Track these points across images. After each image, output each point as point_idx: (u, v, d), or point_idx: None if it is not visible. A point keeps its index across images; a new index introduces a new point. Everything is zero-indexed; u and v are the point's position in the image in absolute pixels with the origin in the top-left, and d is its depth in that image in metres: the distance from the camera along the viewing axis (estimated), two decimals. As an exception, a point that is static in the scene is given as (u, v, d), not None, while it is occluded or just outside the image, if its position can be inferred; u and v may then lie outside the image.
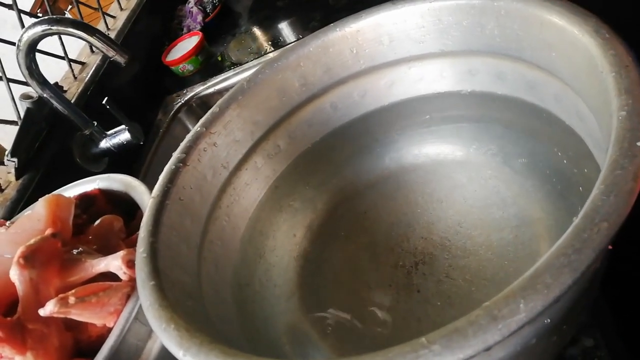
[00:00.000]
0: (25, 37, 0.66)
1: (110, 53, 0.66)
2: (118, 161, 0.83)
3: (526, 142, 0.44)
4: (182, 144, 0.49)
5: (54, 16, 0.66)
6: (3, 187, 0.70)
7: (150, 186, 0.53)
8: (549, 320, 0.28)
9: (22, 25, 0.79)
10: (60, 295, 0.37)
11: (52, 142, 0.75)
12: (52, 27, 0.64)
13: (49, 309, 0.36)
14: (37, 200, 0.60)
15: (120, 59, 0.67)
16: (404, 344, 0.25)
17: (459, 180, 0.45)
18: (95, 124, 0.78)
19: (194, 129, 0.50)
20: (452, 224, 0.44)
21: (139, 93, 0.99)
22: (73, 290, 0.38)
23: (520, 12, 0.40)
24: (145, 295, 0.35)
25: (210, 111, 0.51)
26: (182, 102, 0.97)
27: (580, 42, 0.34)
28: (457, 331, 0.24)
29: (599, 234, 0.25)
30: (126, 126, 0.77)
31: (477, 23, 0.44)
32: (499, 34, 0.43)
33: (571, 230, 0.25)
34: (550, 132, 0.43)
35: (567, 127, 0.42)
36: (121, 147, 0.79)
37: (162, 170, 0.48)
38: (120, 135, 0.78)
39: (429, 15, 0.46)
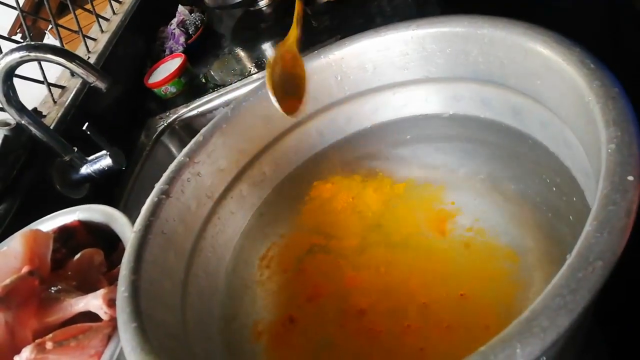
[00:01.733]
0: (3, 63, 0.64)
1: (91, 79, 0.65)
2: (99, 186, 0.81)
3: (514, 168, 0.43)
4: (165, 175, 0.48)
5: (32, 42, 0.65)
6: (-21, 218, 0.68)
7: (133, 213, 0.51)
8: (544, 359, 0.27)
9: (0, 50, 0.78)
10: (37, 341, 0.35)
11: (31, 169, 0.73)
12: (30, 54, 0.63)
13: (24, 356, 0.35)
14: (15, 230, 0.58)
15: (100, 85, 0.66)
16: None
17: (447, 205, 0.44)
18: (76, 149, 0.76)
19: (177, 158, 0.49)
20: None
21: (121, 116, 0.98)
22: (51, 335, 0.36)
23: (504, 41, 0.40)
24: (127, 339, 0.34)
25: (193, 140, 0.50)
26: (165, 124, 0.95)
27: (566, 71, 0.34)
28: None
29: (594, 273, 0.24)
30: (107, 151, 0.75)
31: (461, 50, 0.44)
32: (483, 60, 0.43)
33: (566, 269, 0.25)
34: (536, 158, 0.43)
35: (552, 154, 0.42)
36: (102, 173, 0.77)
37: (144, 196, 0.47)
38: (102, 161, 0.76)
39: (412, 43, 0.46)
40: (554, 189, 0.41)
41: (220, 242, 0.51)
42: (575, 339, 0.31)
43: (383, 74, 0.49)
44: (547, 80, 0.37)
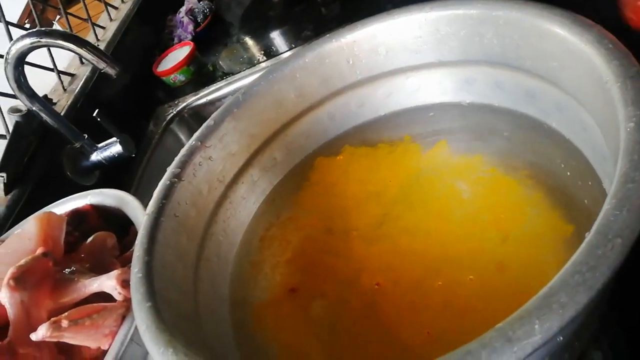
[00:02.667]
0: (14, 49, 0.64)
1: (101, 65, 0.65)
2: (109, 174, 0.81)
3: (527, 154, 0.43)
4: (177, 159, 0.48)
5: (43, 28, 0.65)
6: (-9, 203, 0.68)
7: (143, 200, 0.51)
8: (561, 338, 0.27)
9: (10, 38, 0.78)
10: (53, 319, 0.36)
11: (42, 156, 0.73)
12: (41, 40, 0.63)
13: (41, 334, 0.35)
14: (26, 216, 0.59)
15: (111, 71, 0.66)
16: None
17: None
18: (86, 136, 0.76)
19: (189, 142, 0.49)
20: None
21: (130, 104, 0.98)
22: (66, 313, 0.37)
23: (520, 22, 0.39)
24: (142, 318, 0.34)
25: (205, 124, 0.50)
26: (174, 112, 0.95)
27: (583, 52, 0.34)
28: (470, 354, 0.23)
29: (614, 250, 0.24)
30: (117, 138, 0.76)
31: (475, 33, 0.43)
32: (498, 43, 0.43)
33: (584, 247, 0.25)
34: (550, 144, 0.43)
35: (567, 140, 0.42)
36: (112, 160, 0.77)
37: (154, 183, 0.47)
38: (112, 148, 0.76)
39: (426, 26, 0.46)
40: (568, 173, 0.41)
41: (232, 227, 0.51)
42: (591, 320, 0.31)
43: (396, 57, 0.49)
44: (564, 62, 0.37)
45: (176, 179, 0.46)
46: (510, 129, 0.46)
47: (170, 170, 0.47)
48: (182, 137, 0.95)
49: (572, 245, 0.36)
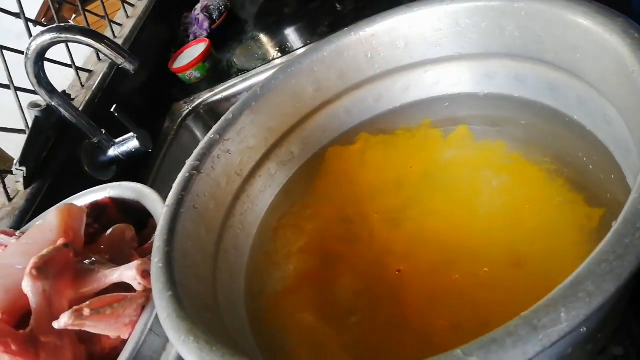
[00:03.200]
0: (34, 45, 0.65)
1: (119, 60, 0.66)
2: (126, 169, 0.82)
3: (550, 146, 0.43)
4: (196, 151, 0.48)
5: (63, 24, 0.66)
6: (11, 197, 0.69)
7: (160, 194, 0.52)
8: (585, 329, 0.27)
9: (30, 34, 0.79)
10: (75, 307, 0.36)
11: (61, 150, 0.74)
12: (60, 35, 0.64)
13: (63, 322, 0.35)
14: (45, 209, 0.60)
15: (129, 66, 0.66)
16: (438, 356, 0.24)
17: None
18: (104, 131, 0.77)
19: (208, 135, 0.49)
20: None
21: (146, 101, 0.99)
22: (87, 302, 0.37)
23: (543, 13, 0.39)
24: (163, 306, 0.34)
25: (223, 118, 0.50)
26: (190, 109, 0.96)
27: (608, 42, 0.34)
28: (495, 342, 0.23)
29: None
30: (134, 134, 0.76)
31: (496, 25, 0.43)
32: (520, 35, 0.42)
33: (612, 235, 0.24)
34: (572, 136, 0.42)
35: (589, 133, 0.41)
36: (129, 155, 0.78)
37: (170, 178, 0.47)
38: (129, 143, 0.77)
39: (445, 18, 0.46)
40: (591, 166, 0.40)
41: (249, 220, 0.52)
42: (616, 311, 0.31)
43: (415, 50, 0.49)
44: (588, 53, 0.36)
45: (195, 172, 0.47)
46: (532, 119, 0.45)
47: (189, 162, 0.47)
48: (198, 133, 0.95)
49: (594, 238, 0.36)
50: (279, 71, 0.52)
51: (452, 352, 0.24)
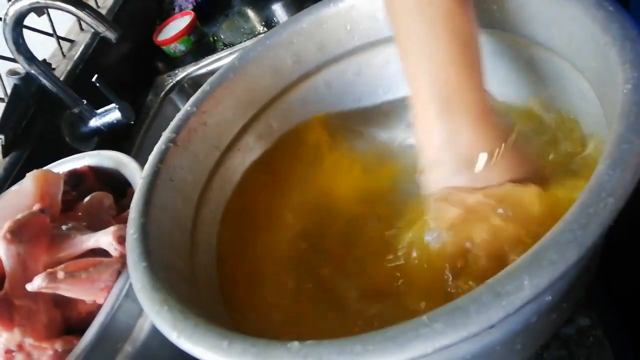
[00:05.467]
0: (12, 10, 0.64)
1: (101, 29, 0.65)
2: (107, 141, 0.81)
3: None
4: (172, 123, 0.48)
5: (42, -11, 0.64)
6: (-11, 165, 0.68)
7: (142, 166, 0.51)
8: (549, 298, 0.28)
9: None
10: (49, 270, 0.36)
11: (40, 119, 0.73)
12: (40, 1, 0.63)
13: (37, 284, 0.35)
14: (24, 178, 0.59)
15: (110, 35, 0.65)
16: (404, 323, 0.24)
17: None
18: (85, 102, 0.76)
19: (184, 107, 0.49)
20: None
21: (129, 73, 0.98)
22: (62, 265, 0.37)
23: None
24: (137, 277, 0.34)
25: (200, 89, 0.50)
26: (174, 82, 0.95)
27: (583, 15, 0.34)
28: (460, 309, 0.24)
29: (605, 209, 0.24)
30: (116, 105, 0.75)
31: (475, -1, 0.43)
32: (498, 9, 0.42)
33: (577, 206, 0.25)
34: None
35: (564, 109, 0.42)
36: (111, 126, 0.77)
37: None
38: (111, 114, 0.76)
39: (427, -9, 0.45)
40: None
41: (227, 193, 0.52)
42: (580, 281, 0.31)
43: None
44: (564, 27, 0.37)
45: (171, 144, 0.46)
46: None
47: (165, 134, 0.47)
48: (181, 106, 0.94)
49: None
50: (257, 43, 0.51)
51: (418, 319, 0.24)
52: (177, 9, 1.06)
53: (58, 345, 0.38)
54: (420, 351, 0.23)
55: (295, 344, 0.26)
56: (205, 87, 0.50)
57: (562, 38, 0.38)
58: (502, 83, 0.45)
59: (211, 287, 0.45)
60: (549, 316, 0.31)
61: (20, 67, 0.70)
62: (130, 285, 0.39)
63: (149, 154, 0.45)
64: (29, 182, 0.45)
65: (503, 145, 0.32)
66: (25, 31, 0.68)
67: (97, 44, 0.90)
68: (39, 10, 0.72)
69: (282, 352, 0.26)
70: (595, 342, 0.38)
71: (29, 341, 0.37)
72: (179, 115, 0.48)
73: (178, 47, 0.99)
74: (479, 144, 0.33)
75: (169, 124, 0.48)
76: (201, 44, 1.00)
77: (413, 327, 0.24)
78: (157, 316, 0.32)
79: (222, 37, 0.99)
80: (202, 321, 0.30)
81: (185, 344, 0.29)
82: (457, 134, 0.33)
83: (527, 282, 0.23)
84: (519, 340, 0.30)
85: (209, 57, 0.94)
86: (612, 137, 0.27)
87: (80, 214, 0.46)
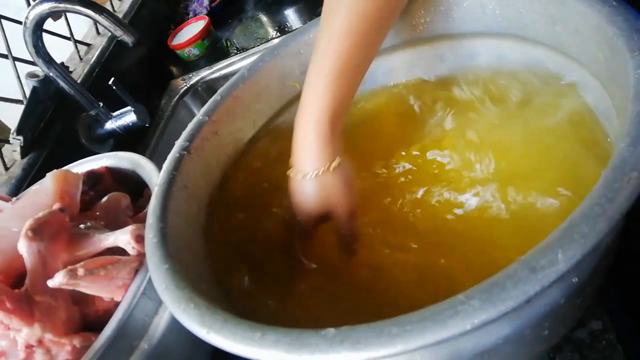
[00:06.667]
0: (32, 14, 0.65)
1: (118, 32, 0.66)
2: (123, 143, 0.82)
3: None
4: (185, 132, 0.48)
5: (61, -6, 0.66)
6: (8, 166, 0.70)
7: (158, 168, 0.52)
8: (576, 279, 0.28)
9: (28, 4, 0.79)
10: (69, 267, 0.37)
11: (58, 121, 0.74)
12: (59, 5, 0.64)
13: (57, 280, 0.36)
14: (42, 179, 0.60)
15: (127, 39, 0.67)
16: (441, 303, 0.25)
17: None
18: (101, 104, 0.77)
19: (196, 117, 0.49)
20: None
21: (144, 76, 0.99)
22: (82, 263, 0.38)
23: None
24: (160, 279, 0.35)
25: (212, 99, 0.51)
26: (188, 86, 0.96)
27: (588, 11, 0.34)
28: (496, 285, 0.24)
29: (630, 183, 0.25)
30: (132, 108, 0.77)
31: (477, 4, 0.44)
32: (500, 13, 0.43)
33: (602, 181, 0.26)
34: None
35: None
36: (127, 129, 0.78)
37: (166, 154, 0.47)
38: (126, 117, 0.77)
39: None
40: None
41: (236, 198, 0.52)
42: (603, 264, 0.32)
43: (399, 33, 0.49)
44: (568, 25, 0.37)
45: (185, 152, 0.47)
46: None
47: (179, 143, 0.47)
48: (195, 110, 0.96)
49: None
50: (266, 53, 0.52)
51: (455, 297, 0.25)
52: (191, 14, 1.08)
53: (76, 341, 0.38)
54: (460, 328, 0.24)
55: (331, 330, 0.26)
56: (216, 96, 0.51)
57: (567, 36, 0.38)
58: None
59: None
60: (575, 299, 0.31)
61: (39, 70, 0.71)
62: (148, 283, 0.40)
63: (163, 156, 0.46)
64: (49, 182, 0.46)
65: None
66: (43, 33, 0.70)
67: (113, 48, 0.91)
68: (56, 15, 0.74)
69: (316, 339, 0.26)
70: (607, 346, 0.38)
71: (48, 337, 0.38)
72: (191, 124, 0.49)
73: (192, 52, 1.00)
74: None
75: (183, 127, 0.49)
76: (215, 48, 1.01)
77: (451, 305, 0.24)
78: (183, 314, 0.32)
79: (235, 41, 1.00)
80: (230, 316, 0.30)
81: (216, 339, 0.29)
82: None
83: (560, 255, 0.24)
84: (547, 325, 0.30)
85: (223, 61, 0.96)
86: (629, 117, 0.28)
87: (98, 213, 0.47)
